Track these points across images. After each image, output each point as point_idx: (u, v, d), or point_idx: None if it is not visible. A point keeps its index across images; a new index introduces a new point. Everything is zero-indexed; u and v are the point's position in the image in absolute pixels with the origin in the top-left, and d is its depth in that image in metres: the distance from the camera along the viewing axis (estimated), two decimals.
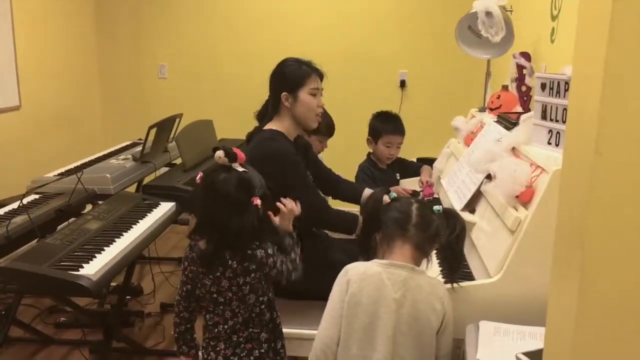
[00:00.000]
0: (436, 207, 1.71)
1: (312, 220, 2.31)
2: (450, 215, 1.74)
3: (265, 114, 2.38)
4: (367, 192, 2.49)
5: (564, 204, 0.77)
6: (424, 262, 1.74)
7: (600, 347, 0.73)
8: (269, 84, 2.37)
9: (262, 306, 1.78)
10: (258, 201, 1.71)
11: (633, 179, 0.67)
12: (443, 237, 1.70)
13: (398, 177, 3.11)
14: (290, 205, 1.89)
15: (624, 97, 0.66)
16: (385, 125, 2.97)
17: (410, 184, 3.06)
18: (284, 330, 1.92)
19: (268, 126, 2.32)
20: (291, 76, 2.30)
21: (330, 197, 2.75)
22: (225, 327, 1.76)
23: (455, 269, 1.74)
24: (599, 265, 0.71)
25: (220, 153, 1.71)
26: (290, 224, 1.89)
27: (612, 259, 0.71)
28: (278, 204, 1.88)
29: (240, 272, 1.70)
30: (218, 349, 1.76)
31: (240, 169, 1.73)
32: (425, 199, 2.82)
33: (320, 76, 2.36)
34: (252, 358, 1.77)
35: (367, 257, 1.74)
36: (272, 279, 1.80)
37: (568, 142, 0.79)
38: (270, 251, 1.74)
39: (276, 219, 1.86)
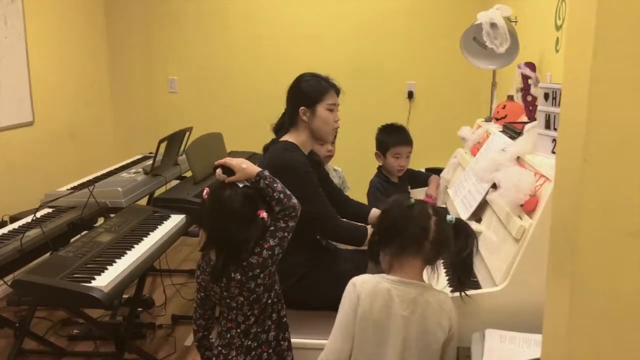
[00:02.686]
0: (449, 217, 1.69)
1: (322, 230, 2.34)
2: (461, 226, 1.71)
3: (282, 126, 2.42)
4: (375, 212, 2.49)
5: (556, 212, 0.79)
6: (432, 273, 1.73)
7: (594, 352, 0.75)
8: (286, 97, 2.41)
9: (269, 301, 1.80)
10: (264, 214, 1.73)
11: (619, 185, 0.69)
12: (453, 248, 1.68)
13: (409, 190, 3.12)
14: (230, 162, 1.79)
15: (609, 107, 0.68)
16: (392, 137, 2.98)
17: (418, 194, 3.08)
18: (292, 340, 1.94)
19: (284, 138, 2.36)
20: (309, 91, 2.35)
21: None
22: (239, 330, 1.79)
23: (465, 281, 1.72)
24: (589, 270, 0.73)
25: (219, 170, 1.76)
26: (249, 168, 1.77)
27: (602, 264, 0.73)
28: (227, 160, 1.79)
29: (246, 281, 1.72)
30: (230, 357, 1.79)
31: (241, 184, 1.76)
32: None
33: (337, 92, 2.41)
34: None
35: (377, 264, 1.75)
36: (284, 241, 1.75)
37: (559, 151, 0.81)
38: (257, 249, 1.72)
39: (232, 178, 1.77)
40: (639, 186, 0.71)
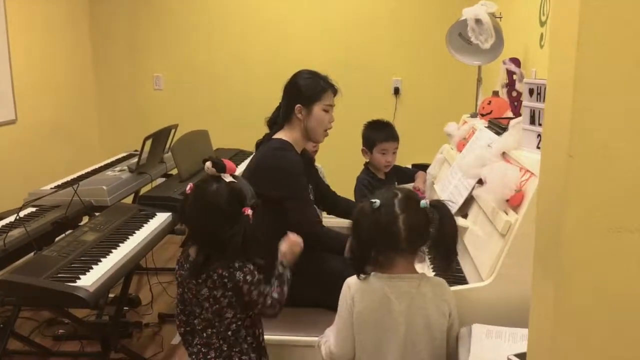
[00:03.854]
0: (423, 203, 1.61)
1: (303, 234, 2.29)
2: (436, 209, 1.63)
3: (276, 120, 2.40)
4: None
5: (541, 207, 0.79)
6: (421, 260, 1.70)
7: (579, 346, 0.75)
8: (283, 92, 2.39)
9: (239, 323, 1.76)
10: (249, 211, 1.72)
11: (604, 181, 0.70)
12: (433, 231, 1.62)
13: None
14: (294, 239, 1.89)
15: (593, 103, 0.68)
16: (378, 133, 2.98)
17: None
18: (282, 337, 1.94)
19: (278, 135, 2.35)
20: (308, 89, 2.33)
21: (325, 213, 2.77)
22: (202, 340, 1.78)
23: (446, 267, 1.67)
24: (574, 265, 0.73)
25: (208, 164, 1.74)
26: (293, 258, 1.88)
27: (587, 259, 0.73)
28: (289, 234, 1.90)
29: (219, 285, 1.71)
30: (209, 357, 1.78)
31: (229, 179, 1.75)
32: None
33: (335, 92, 2.39)
34: None
35: (361, 272, 1.67)
36: (246, 305, 1.75)
37: (544, 146, 0.81)
38: (249, 278, 1.71)
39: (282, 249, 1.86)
40: (623, 181, 0.72)
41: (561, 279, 0.73)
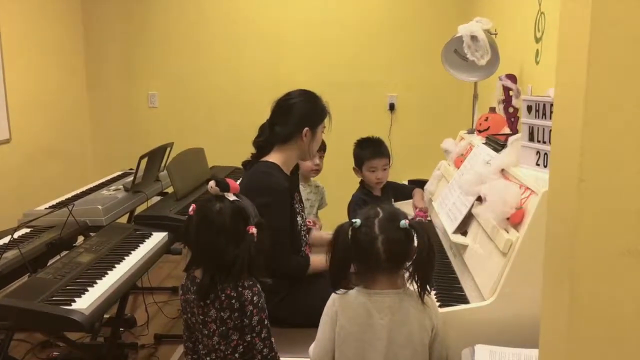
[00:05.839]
0: (402, 223, 1.60)
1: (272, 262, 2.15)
2: (414, 229, 1.61)
3: (266, 141, 2.35)
4: None
5: (551, 233, 0.78)
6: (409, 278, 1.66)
7: None
8: (279, 113, 2.33)
9: (245, 344, 1.72)
10: (254, 229, 1.71)
11: (616, 205, 0.68)
12: (414, 250, 1.61)
13: (393, 203, 3.09)
14: None
15: (605, 126, 0.67)
16: (366, 150, 2.95)
17: (404, 207, 3.05)
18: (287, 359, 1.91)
19: (269, 158, 2.32)
20: (316, 112, 2.33)
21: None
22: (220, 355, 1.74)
23: (423, 286, 1.62)
24: (587, 292, 0.71)
25: (212, 183, 1.72)
26: None
27: (600, 282, 0.71)
28: None
29: (227, 306, 1.69)
30: None
31: (232, 198, 1.73)
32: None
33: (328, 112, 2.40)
34: None
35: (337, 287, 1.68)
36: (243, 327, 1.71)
37: (553, 169, 0.80)
38: (255, 299, 1.69)
39: None
40: (635, 203, 0.70)
41: (574, 307, 0.71)
